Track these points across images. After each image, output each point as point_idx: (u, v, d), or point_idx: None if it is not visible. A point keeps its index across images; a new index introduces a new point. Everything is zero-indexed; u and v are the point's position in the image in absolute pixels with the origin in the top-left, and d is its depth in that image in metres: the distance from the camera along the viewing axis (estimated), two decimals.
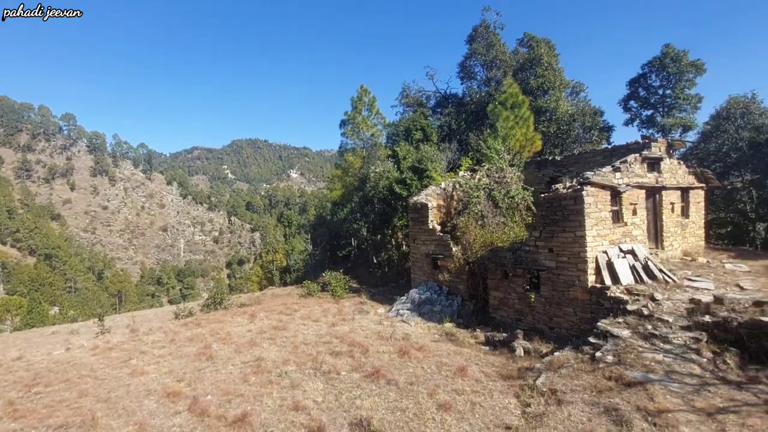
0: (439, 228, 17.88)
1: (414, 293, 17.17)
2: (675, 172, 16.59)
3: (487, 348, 12.04)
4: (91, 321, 22.92)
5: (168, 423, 7.76)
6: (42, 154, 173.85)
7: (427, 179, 23.53)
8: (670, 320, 9.89)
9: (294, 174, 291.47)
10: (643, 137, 18.57)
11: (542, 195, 13.51)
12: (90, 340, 15.87)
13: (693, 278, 12.64)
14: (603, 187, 12.72)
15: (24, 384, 10.23)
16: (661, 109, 31.95)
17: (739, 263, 14.75)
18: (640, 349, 9.11)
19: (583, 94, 35.26)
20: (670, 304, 10.70)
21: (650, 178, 15.17)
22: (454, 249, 16.56)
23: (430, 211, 18.01)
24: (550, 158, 23.00)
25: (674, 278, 12.43)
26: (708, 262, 15.19)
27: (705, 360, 8.45)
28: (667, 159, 16.20)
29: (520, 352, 11.18)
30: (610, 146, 21.47)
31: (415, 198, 19.11)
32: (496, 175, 18.49)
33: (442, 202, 19.04)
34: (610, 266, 12.18)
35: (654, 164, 15.52)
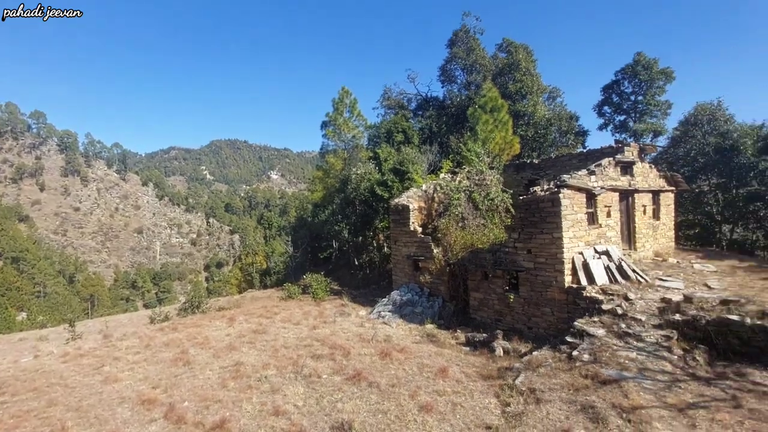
0: (420, 230, 17.98)
1: (395, 295, 17.21)
2: (647, 176, 17.17)
3: (468, 348, 12.17)
4: (62, 327, 22.04)
5: (143, 431, 7.54)
6: (9, 152, 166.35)
7: (408, 181, 23.66)
8: (643, 319, 10.22)
9: (274, 175, 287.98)
10: (617, 142, 19.18)
11: (521, 197, 13.76)
12: (60, 346, 15.27)
13: (664, 278, 13.10)
14: (579, 189, 13.05)
15: None
16: (633, 115, 33.06)
17: (707, 263, 15.37)
18: (615, 347, 9.38)
19: (560, 99, 36.23)
20: (643, 303, 11.06)
21: (623, 182, 15.66)
22: (435, 251, 16.69)
23: (411, 213, 18.10)
24: (529, 161, 23.47)
25: (646, 278, 12.85)
26: (678, 262, 15.77)
27: (676, 357, 8.76)
28: (640, 163, 16.76)
29: (499, 352, 11.34)
30: (585, 150, 22.07)
31: (396, 200, 19.17)
32: (476, 178, 18.75)
33: (423, 204, 19.16)
34: (586, 267, 12.50)
35: (627, 168, 16.04)
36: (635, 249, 16.07)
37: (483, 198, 17.78)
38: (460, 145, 22.66)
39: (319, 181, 35.85)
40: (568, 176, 13.06)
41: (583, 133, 33.67)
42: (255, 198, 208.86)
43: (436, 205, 19.33)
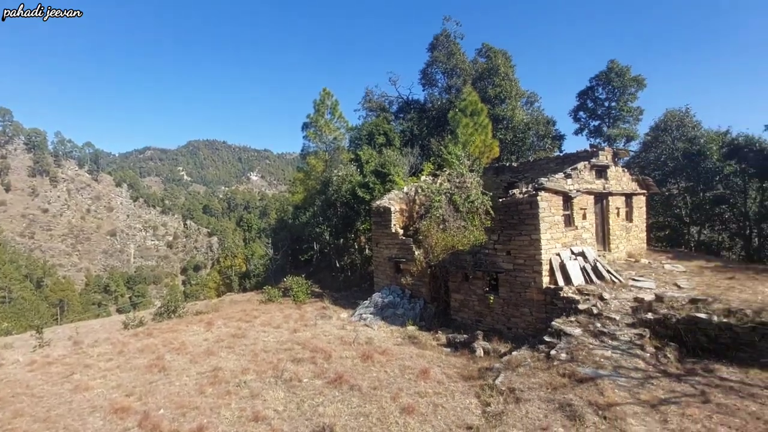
0: (401, 232, 18.04)
1: (377, 297, 17.20)
2: (620, 179, 17.72)
3: (449, 349, 12.27)
4: (28, 333, 21.05)
5: None
6: None
7: (389, 183, 23.71)
8: (617, 318, 10.54)
9: (254, 177, 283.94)
10: (592, 146, 19.77)
11: (500, 200, 13.99)
12: (26, 354, 14.60)
13: (637, 278, 13.53)
14: (556, 192, 13.36)
15: None
16: (607, 120, 34.11)
17: (677, 264, 15.97)
18: (591, 346, 9.63)
19: (537, 104, 37.02)
20: (617, 303, 11.39)
21: (598, 185, 16.12)
22: (416, 253, 16.77)
23: (392, 215, 18.14)
24: (508, 164, 23.89)
25: (620, 278, 13.25)
26: (650, 263, 16.32)
27: (648, 355, 9.06)
28: (613, 167, 17.29)
29: (480, 352, 11.48)
30: (562, 154, 22.61)
31: (378, 202, 19.18)
32: (457, 180, 18.95)
33: (404, 207, 19.24)
34: (563, 268, 12.79)
35: (601, 171, 16.52)
36: (609, 250, 16.55)
37: (463, 200, 17.99)
38: (441, 147, 22.87)
39: (300, 183, 35.54)
40: (546, 179, 13.36)
41: (559, 138, 34.52)
42: (234, 199, 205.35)
43: (417, 207, 19.44)
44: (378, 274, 19.04)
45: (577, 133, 36.20)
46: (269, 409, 8.21)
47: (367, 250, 27.63)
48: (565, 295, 12.01)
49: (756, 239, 26.27)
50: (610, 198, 16.66)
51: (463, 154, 20.68)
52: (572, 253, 13.48)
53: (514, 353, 10.46)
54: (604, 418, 6.82)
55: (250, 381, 9.68)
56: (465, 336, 12.81)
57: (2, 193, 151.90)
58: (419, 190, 19.52)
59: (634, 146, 33.13)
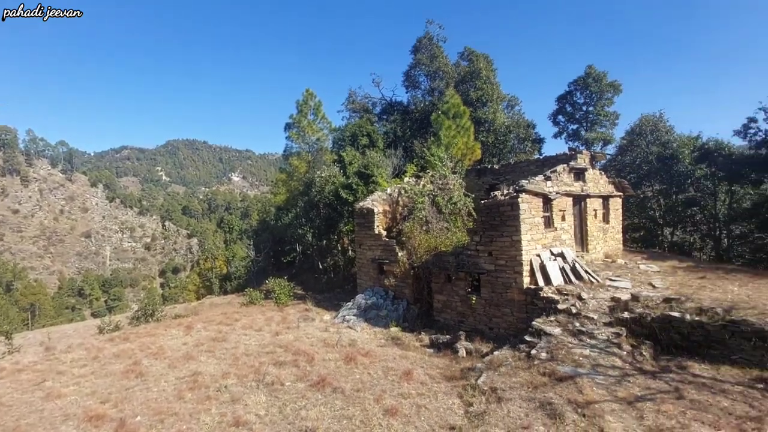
0: (384, 233, 18.06)
1: (360, 299, 17.16)
2: (597, 182, 18.18)
3: (432, 350, 12.33)
4: None
5: None
6: None
7: (373, 185, 23.71)
8: (595, 317, 10.79)
9: (236, 177, 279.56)
10: (570, 149, 20.23)
11: (482, 201, 14.16)
12: None
13: (613, 278, 13.90)
14: (536, 194, 13.61)
15: None
16: (585, 124, 34.99)
17: (651, 264, 16.47)
18: (570, 345, 9.83)
19: (518, 107, 37.67)
20: (595, 302, 11.67)
21: (577, 187, 16.49)
22: (399, 254, 16.81)
23: (376, 216, 18.15)
24: (489, 167, 24.22)
25: (598, 279, 13.58)
26: (626, 263, 16.79)
27: (625, 353, 9.31)
28: (591, 170, 17.73)
29: (462, 352, 11.57)
30: (542, 157, 23.07)
31: (361, 203, 19.16)
32: (440, 182, 19.10)
33: (387, 208, 19.27)
34: (543, 268, 13.03)
35: (580, 174, 16.91)
36: (587, 251, 16.95)
37: (446, 202, 18.14)
38: (424, 149, 23.01)
39: (283, 184, 35.18)
40: (527, 181, 13.60)
41: (539, 141, 35.19)
42: (215, 200, 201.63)
43: (400, 208, 19.51)
44: (361, 276, 19.00)
45: (556, 136, 37.03)
46: (251, 413, 8.08)
47: (350, 252, 27.56)
48: (545, 295, 12.23)
49: (725, 240, 27.35)
50: (587, 200, 17.07)
51: (445, 156, 20.86)
52: (552, 253, 13.74)
53: (495, 353, 10.58)
54: (583, 415, 6.96)
55: (230, 385, 9.52)
56: (448, 337, 12.89)
57: None
58: (402, 192, 19.59)
59: (611, 150, 34.12)
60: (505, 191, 13.89)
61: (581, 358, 9.13)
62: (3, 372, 11.97)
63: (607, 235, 18.57)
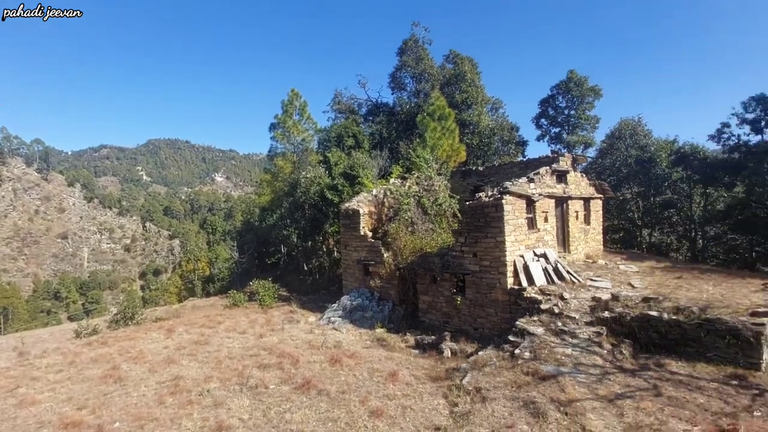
0: (370, 234, 18.04)
1: (345, 300, 17.10)
2: (579, 184, 18.54)
3: (417, 351, 12.36)
4: None
5: None
6: None
7: (358, 186, 23.68)
8: (577, 317, 10.99)
9: (219, 178, 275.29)
10: (553, 152, 20.59)
11: (467, 203, 14.30)
12: None
13: (594, 278, 14.19)
14: (520, 196, 13.80)
15: None
16: (566, 128, 35.64)
17: (630, 264, 16.88)
18: (553, 344, 9.99)
19: (502, 110, 38.13)
20: (577, 302, 11.89)
21: (559, 189, 16.79)
22: (385, 255, 16.81)
23: (361, 217, 18.12)
24: (474, 168, 24.46)
25: (579, 279, 13.84)
26: (606, 263, 17.17)
27: (605, 351, 9.51)
28: (573, 172, 18.07)
29: (447, 353, 11.64)
30: (525, 159, 23.40)
31: (346, 204, 19.11)
32: (425, 183, 19.19)
33: (373, 209, 19.26)
34: (526, 269, 13.22)
35: (562, 176, 17.22)
36: (569, 252, 17.26)
37: (432, 203, 18.23)
38: (410, 151, 23.09)
39: (267, 185, 34.86)
40: (510, 183, 13.78)
41: (523, 143, 35.69)
42: (197, 201, 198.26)
43: (386, 209, 19.52)
44: (347, 277, 18.94)
45: (539, 139, 37.60)
46: (234, 417, 7.96)
47: (335, 253, 27.45)
48: (528, 295, 12.40)
49: (700, 241, 28.21)
50: (569, 202, 17.39)
51: (431, 158, 20.97)
52: (535, 254, 13.95)
53: (480, 353, 10.67)
54: (566, 414, 7.09)
55: (213, 389, 9.36)
56: (433, 337, 12.94)
57: None
58: (388, 193, 19.62)
59: (592, 153, 34.83)
60: (490, 193, 14.05)
61: (563, 357, 9.29)
62: None
63: (588, 236, 18.95)
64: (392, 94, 38.35)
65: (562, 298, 12.13)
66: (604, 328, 10.32)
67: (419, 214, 17.89)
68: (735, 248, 26.60)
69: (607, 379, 8.31)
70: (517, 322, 11.40)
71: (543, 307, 11.75)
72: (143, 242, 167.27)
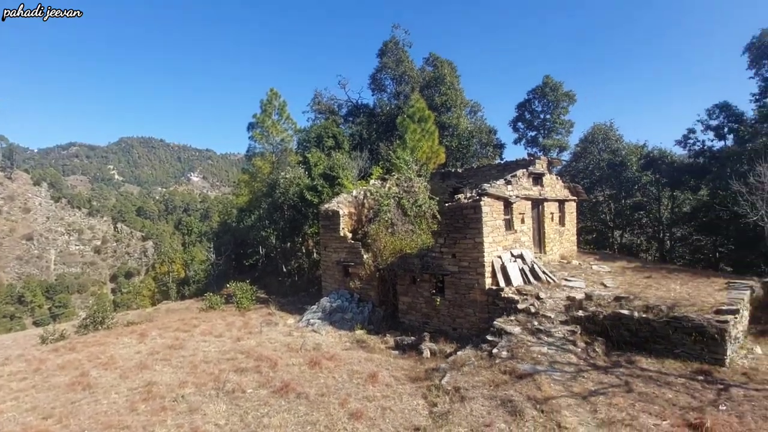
0: (350, 235, 17.99)
1: (325, 301, 16.98)
2: (554, 186, 19.01)
3: (397, 352, 12.39)
4: None
5: None
6: None
7: (338, 187, 23.58)
8: (552, 316, 11.25)
9: (195, 177, 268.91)
10: (529, 155, 21.06)
11: (446, 204, 14.43)
12: None
13: (569, 278, 14.56)
14: (498, 198, 14.04)
15: None
16: (542, 131, 36.52)
17: (603, 264, 17.40)
18: (529, 343, 10.19)
19: (480, 113, 38.76)
20: (552, 302, 12.17)
21: (535, 191, 17.17)
22: (365, 256, 16.79)
23: (341, 218, 18.05)
24: (453, 170, 24.73)
25: (555, 279, 14.18)
26: (580, 264, 17.64)
27: (580, 349, 9.77)
28: (548, 175, 18.52)
29: (427, 353, 11.70)
30: (502, 162, 23.81)
31: (326, 205, 19.00)
32: (405, 185, 19.27)
33: (353, 210, 19.21)
34: (504, 269, 13.44)
35: (538, 179, 17.62)
36: (545, 252, 17.66)
37: (411, 204, 18.32)
38: (390, 152, 23.14)
39: (245, 185, 34.28)
40: (489, 185, 14.00)
41: (500, 146, 36.36)
42: (172, 201, 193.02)
43: (366, 210, 19.50)
44: (326, 279, 18.81)
45: (516, 142, 38.36)
46: (209, 423, 7.78)
47: (315, 254, 27.22)
48: (505, 295, 12.61)
49: (668, 242, 29.36)
50: (545, 204, 17.80)
51: (411, 159, 21.09)
52: (512, 255, 14.21)
53: (459, 353, 10.78)
54: (542, 411, 7.23)
55: (188, 395, 9.12)
56: (413, 338, 13.00)
57: None
58: (368, 194, 19.61)
59: (566, 156, 35.78)
60: (469, 195, 14.22)
61: (540, 356, 9.48)
62: None
63: (563, 237, 19.43)
64: (372, 95, 38.40)
65: (538, 297, 12.40)
66: (578, 326, 10.60)
67: (399, 216, 17.95)
68: (700, 249, 27.82)
69: (581, 377, 8.54)
70: (495, 322, 11.58)
71: (520, 306, 11.98)
72: (114, 244, 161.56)
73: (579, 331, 10.43)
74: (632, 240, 31.70)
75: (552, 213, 18.46)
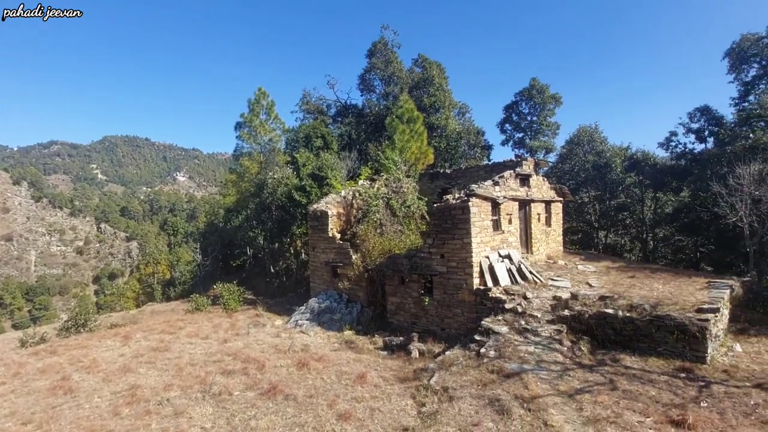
0: (339, 236, 17.94)
1: (313, 302, 16.90)
2: (540, 187, 19.24)
3: (386, 353, 12.39)
4: None
5: None
6: None
7: (327, 187, 23.49)
8: (539, 315, 11.38)
9: (181, 177, 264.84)
10: (516, 156, 21.28)
11: (435, 205, 14.50)
12: None
13: (555, 278, 14.75)
14: (485, 198, 14.15)
15: None
16: (529, 133, 36.94)
17: (588, 264, 17.66)
18: (516, 342, 10.29)
19: (468, 114, 39.00)
20: (539, 301, 12.31)
21: (522, 192, 17.35)
22: (353, 257, 16.76)
23: (330, 218, 17.98)
24: (442, 171, 24.84)
25: (541, 279, 14.35)
26: (566, 264, 17.88)
27: (566, 348, 9.90)
28: (535, 176, 18.74)
29: (415, 354, 11.73)
30: (490, 163, 24.00)
31: (314, 206, 18.91)
32: (394, 185, 19.29)
33: (342, 210, 19.16)
34: (492, 270, 13.55)
35: (525, 180, 17.81)
36: (531, 252, 17.85)
37: (400, 205, 18.35)
38: (379, 153, 23.14)
39: (233, 185, 33.93)
40: (477, 186, 14.10)
41: (488, 147, 36.66)
42: (158, 201, 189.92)
43: (354, 211, 19.46)
44: (314, 279, 18.72)
45: (503, 143, 38.74)
46: (195, 427, 7.67)
47: (303, 255, 27.07)
48: (493, 295, 12.72)
49: (651, 242, 29.96)
50: (532, 204, 18.00)
51: (399, 160, 21.12)
52: (500, 255, 14.33)
53: (447, 353, 10.83)
54: (529, 410, 7.31)
55: (173, 398, 8.97)
56: (401, 338, 13.01)
57: None
58: (357, 195, 19.57)
59: (552, 157, 36.27)
60: (457, 195, 14.30)
61: (526, 355, 9.59)
62: None
63: (549, 238, 19.68)
64: (361, 95, 38.35)
65: (525, 297, 12.53)
66: (564, 326, 10.74)
67: (388, 216, 17.96)
68: (682, 249, 28.45)
69: (567, 375, 8.65)
70: (483, 322, 11.67)
71: (507, 306, 12.09)
72: (98, 244, 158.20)
73: (565, 330, 10.57)
74: (616, 240, 32.26)
75: (539, 214, 18.67)
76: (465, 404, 7.78)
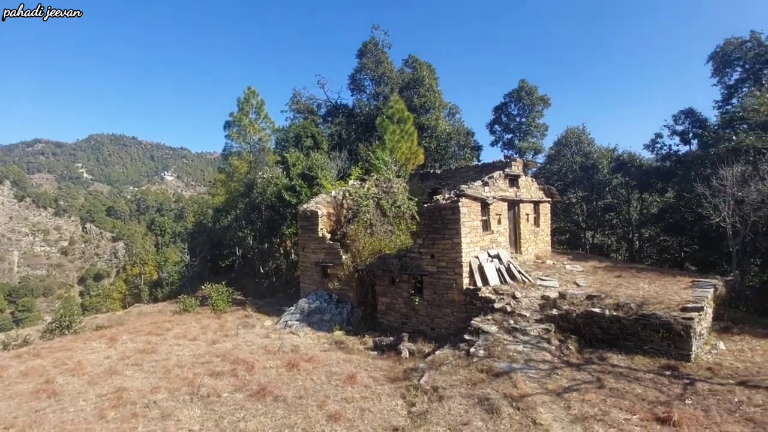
0: (329, 236, 17.88)
1: (303, 303, 16.82)
2: (529, 188, 19.43)
3: (376, 353, 12.38)
4: None
5: None
6: None
7: (317, 187, 23.41)
8: (528, 315, 11.49)
9: (169, 176, 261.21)
10: (506, 157, 21.46)
11: (425, 205, 14.55)
12: None
13: (543, 278, 14.90)
14: (475, 199, 14.24)
15: None
16: (518, 134, 37.28)
17: (576, 264, 17.89)
18: (506, 342, 10.37)
19: (458, 115, 39.17)
20: (528, 301, 12.43)
21: (511, 193, 17.50)
22: (344, 257, 16.72)
23: (320, 219, 17.92)
24: (432, 171, 24.93)
25: (530, 278, 14.49)
26: (554, 263, 18.08)
27: (554, 347, 10.01)
28: (524, 176, 18.91)
29: (405, 354, 11.75)
30: (480, 163, 24.16)
31: (304, 206, 18.82)
32: (384, 185, 19.30)
33: (332, 210, 19.10)
34: (481, 269, 13.64)
35: (514, 180, 17.97)
36: (520, 252, 18.01)
37: (390, 205, 18.36)
38: (369, 153, 23.13)
39: (222, 185, 33.65)
40: (466, 187, 14.18)
41: (478, 148, 36.89)
42: (145, 201, 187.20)
43: (345, 211, 19.42)
44: (304, 280, 18.64)
45: (493, 144, 39.05)
46: (183, 429, 7.57)
47: (293, 255, 26.95)
48: (483, 295, 12.80)
49: (637, 242, 30.48)
50: (521, 205, 18.16)
51: (390, 160, 21.14)
52: (489, 255, 14.43)
53: (437, 353, 10.87)
54: (518, 409, 7.38)
55: (160, 400, 8.85)
56: (391, 338, 13.02)
57: None
58: (347, 195, 19.53)
59: (541, 158, 36.67)
60: (447, 196, 14.37)
61: (515, 354, 9.67)
62: None
63: (538, 238, 19.88)
64: (352, 95, 38.26)
65: (514, 297, 12.63)
66: (552, 325, 10.86)
67: (378, 216, 17.96)
68: (667, 249, 28.99)
69: (556, 374, 8.75)
70: (473, 321, 11.74)
71: (496, 306, 12.18)
72: (83, 245, 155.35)
73: (553, 330, 10.68)
74: (603, 240, 32.74)
75: (527, 214, 18.85)
76: (455, 404, 7.82)
